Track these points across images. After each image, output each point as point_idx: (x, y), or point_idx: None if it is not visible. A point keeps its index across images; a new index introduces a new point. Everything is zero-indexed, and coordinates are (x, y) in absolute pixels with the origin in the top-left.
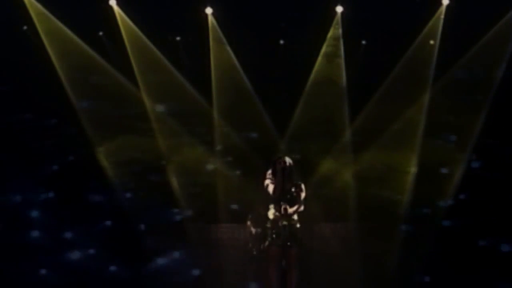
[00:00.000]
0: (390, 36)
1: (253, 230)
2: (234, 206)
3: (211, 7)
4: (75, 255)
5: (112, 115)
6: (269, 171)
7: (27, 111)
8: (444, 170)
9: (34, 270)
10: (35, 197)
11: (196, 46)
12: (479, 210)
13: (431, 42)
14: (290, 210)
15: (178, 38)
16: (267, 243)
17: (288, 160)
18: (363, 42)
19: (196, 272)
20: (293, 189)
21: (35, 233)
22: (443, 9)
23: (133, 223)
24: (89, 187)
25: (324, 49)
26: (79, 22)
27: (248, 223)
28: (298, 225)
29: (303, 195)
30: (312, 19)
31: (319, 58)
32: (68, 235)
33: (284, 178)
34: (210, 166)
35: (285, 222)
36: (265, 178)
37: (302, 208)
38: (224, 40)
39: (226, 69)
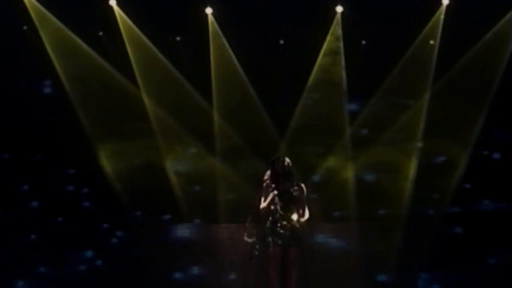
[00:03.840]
0: (390, 36)
1: (252, 230)
2: (234, 206)
3: (211, 7)
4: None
5: (112, 115)
6: (268, 172)
7: (27, 110)
8: (444, 170)
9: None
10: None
11: (196, 46)
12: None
13: (431, 42)
14: (301, 220)
15: (178, 38)
16: (267, 243)
17: (287, 160)
18: (363, 42)
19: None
20: (292, 190)
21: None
22: (443, 9)
23: (133, 222)
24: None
25: (324, 49)
26: (79, 22)
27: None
28: (298, 225)
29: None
30: (312, 19)
31: (319, 58)
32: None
33: (284, 177)
34: (210, 166)
35: (285, 222)
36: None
37: (307, 214)
38: (224, 40)
39: (226, 69)
